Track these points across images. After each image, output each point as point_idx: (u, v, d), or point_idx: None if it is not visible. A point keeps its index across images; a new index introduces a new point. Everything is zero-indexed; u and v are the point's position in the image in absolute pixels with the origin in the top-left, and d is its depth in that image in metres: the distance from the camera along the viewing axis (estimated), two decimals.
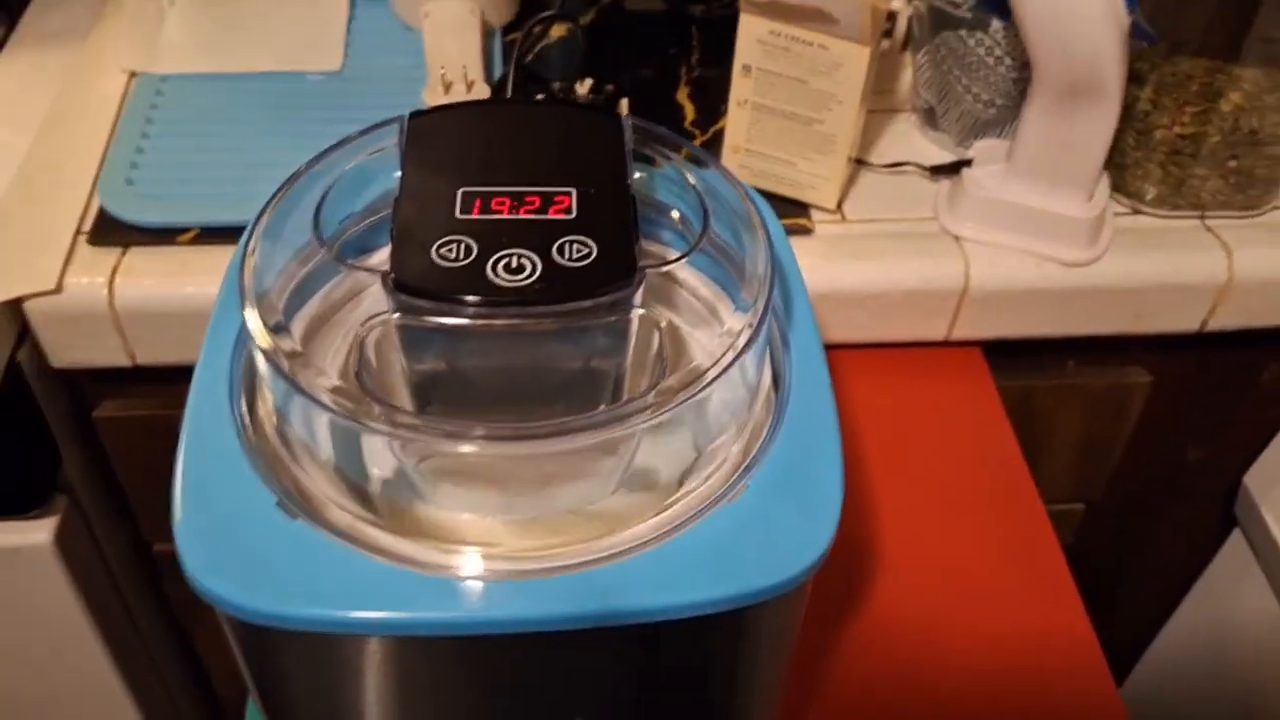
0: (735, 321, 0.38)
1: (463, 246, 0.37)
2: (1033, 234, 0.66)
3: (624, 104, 0.68)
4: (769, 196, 0.68)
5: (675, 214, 0.46)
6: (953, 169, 0.69)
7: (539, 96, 0.66)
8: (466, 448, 0.34)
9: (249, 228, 0.40)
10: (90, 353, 0.63)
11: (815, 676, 0.58)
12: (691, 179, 0.44)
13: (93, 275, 0.61)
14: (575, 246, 0.37)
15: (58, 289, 0.60)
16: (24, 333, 0.62)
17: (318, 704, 0.41)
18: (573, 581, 0.35)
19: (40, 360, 0.63)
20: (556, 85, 0.67)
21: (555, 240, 0.37)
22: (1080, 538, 0.86)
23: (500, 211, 0.38)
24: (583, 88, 0.66)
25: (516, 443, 0.33)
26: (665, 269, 0.41)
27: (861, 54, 0.60)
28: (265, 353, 0.35)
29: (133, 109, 0.69)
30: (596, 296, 0.36)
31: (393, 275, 0.36)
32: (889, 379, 0.69)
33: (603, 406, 0.35)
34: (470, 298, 0.35)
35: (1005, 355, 0.71)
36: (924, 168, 0.70)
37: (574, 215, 0.38)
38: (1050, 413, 0.76)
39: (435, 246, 0.37)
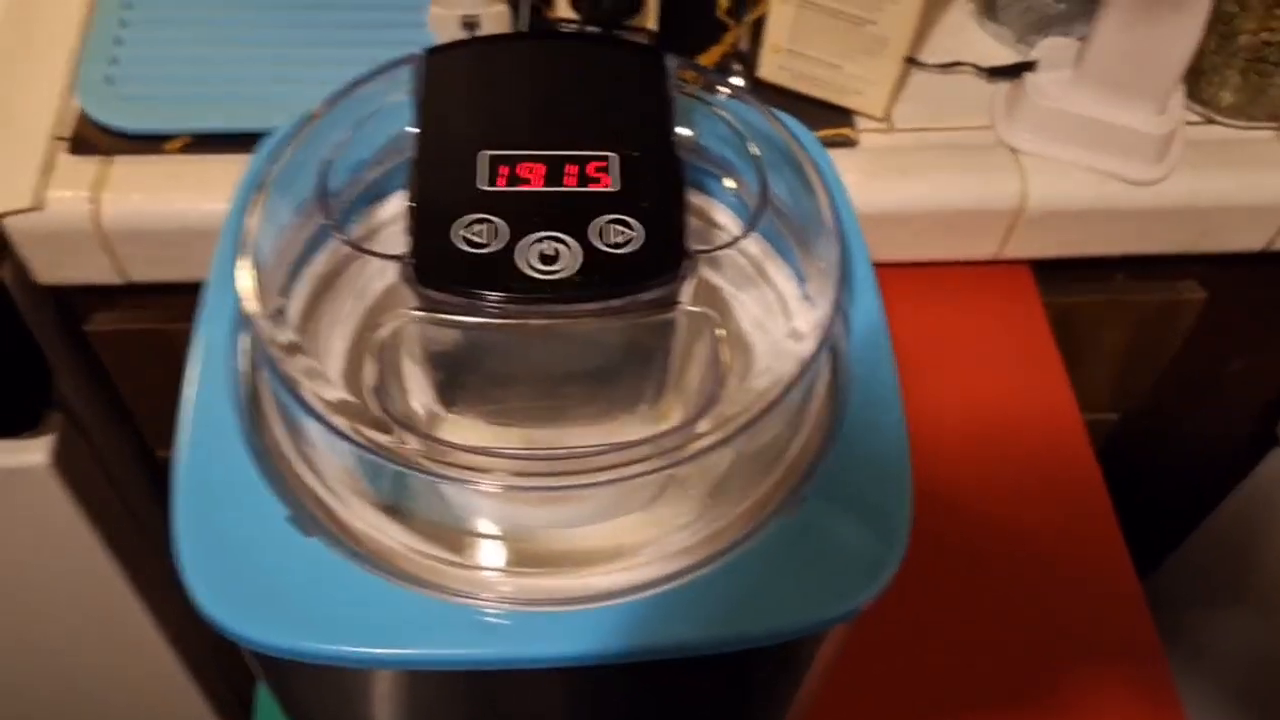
0: (802, 320, 0.34)
1: (490, 229, 0.32)
2: (1097, 149, 0.60)
3: None
4: (810, 101, 0.62)
5: (719, 155, 0.42)
6: (1013, 71, 0.63)
7: (568, 27, 0.59)
8: (493, 489, 0.30)
9: (246, 186, 0.35)
10: (78, 271, 0.58)
11: None
12: (740, 127, 0.39)
13: (75, 189, 0.56)
14: (616, 229, 0.33)
15: (38, 205, 0.55)
16: (4, 248, 0.57)
17: (329, 703, 0.39)
18: (608, 615, 0.32)
19: (24, 276, 0.59)
20: None
21: (593, 220, 0.33)
22: (1112, 442, 0.83)
23: (530, 181, 0.34)
24: None
25: (550, 478, 0.30)
26: (717, 253, 0.37)
27: None
28: (275, 367, 0.31)
29: None
30: (640, 291, 0.32)
31: (413, 263, 0.32)
32: (930, 299, 0.65)
33: (643, 433, 0.31)
34: (500, 294, 0.31)
35: (1051, 269, 0.66)
36: (981, 69, 0.64)
37: (615, 188, 0.33)
38: (1095, 326, 0.72)
39: (459, 228, 0.32)
